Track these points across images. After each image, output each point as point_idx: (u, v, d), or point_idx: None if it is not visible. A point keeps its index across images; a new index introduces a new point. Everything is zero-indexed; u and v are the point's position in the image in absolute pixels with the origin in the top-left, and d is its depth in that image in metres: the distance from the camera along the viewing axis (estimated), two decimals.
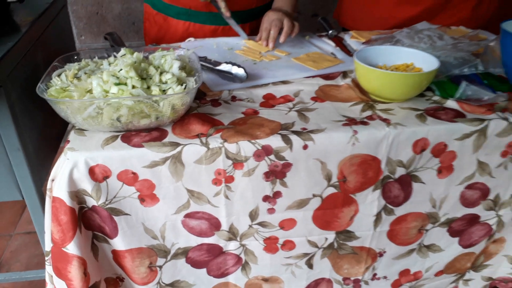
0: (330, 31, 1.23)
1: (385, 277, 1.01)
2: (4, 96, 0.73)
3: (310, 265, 0.94)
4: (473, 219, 0.94)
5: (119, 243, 0.82)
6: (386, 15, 1.34)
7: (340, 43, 1.18)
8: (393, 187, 0.86)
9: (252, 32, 1.29)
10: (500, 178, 0.89)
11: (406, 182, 0.86)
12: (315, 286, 0.99)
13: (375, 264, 0.97)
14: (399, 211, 0.89)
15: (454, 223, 0.94)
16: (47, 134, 0.95)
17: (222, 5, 1.16)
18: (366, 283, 1.01)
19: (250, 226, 0.85)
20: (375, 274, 1.00)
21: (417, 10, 1.32)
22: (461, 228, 0.95)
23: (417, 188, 0.87)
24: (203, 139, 0.75)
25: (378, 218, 0.89)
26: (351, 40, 1.21)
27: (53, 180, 0.74)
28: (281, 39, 1.12)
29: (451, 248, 0.98)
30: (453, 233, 0.96)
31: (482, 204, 0.92)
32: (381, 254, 0.96)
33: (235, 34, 1.22)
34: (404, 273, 1.01)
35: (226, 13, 1.17)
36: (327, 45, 1.18)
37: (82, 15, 2.17)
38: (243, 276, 0.94)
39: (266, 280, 0.95)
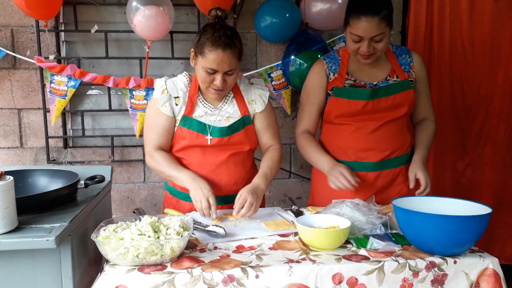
0: (293, 207, 1.72)
1: None
2: (70, 241, 1.19)
3: None
4: None
5: None
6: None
7: (300, 214, 1.65)
8: None
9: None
10: None
11: None
12: None
13: None
14: None
15: None
16: (88, 270, 1.37)
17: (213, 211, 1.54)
18: None
19: None
20: None
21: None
22: None
23: None
24: (189, 270, 1.16)
25: None
26: (307, 212, 1.68)
27: None
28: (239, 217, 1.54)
29: None
30: None
31: None
32: None
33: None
34: None
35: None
36: (289, 216, 1.65)
37: (116, 198, 2.78)
38: None
39: None
